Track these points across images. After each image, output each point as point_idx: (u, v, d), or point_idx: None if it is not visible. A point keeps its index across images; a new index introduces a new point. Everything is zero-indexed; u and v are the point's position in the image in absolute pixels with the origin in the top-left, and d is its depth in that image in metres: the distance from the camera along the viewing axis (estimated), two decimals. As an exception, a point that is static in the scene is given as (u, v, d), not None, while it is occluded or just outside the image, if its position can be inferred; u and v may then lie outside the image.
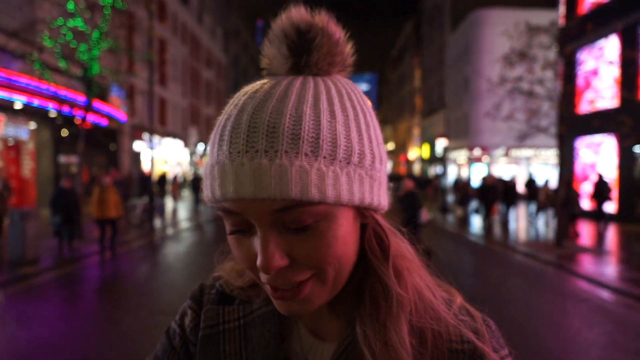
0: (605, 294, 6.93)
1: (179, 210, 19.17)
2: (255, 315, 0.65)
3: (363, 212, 0.57)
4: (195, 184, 19.82)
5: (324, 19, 0.55)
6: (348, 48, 0.58)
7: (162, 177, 19.98)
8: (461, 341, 0.57)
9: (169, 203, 18.04)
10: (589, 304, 6.46)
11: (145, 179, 15.31)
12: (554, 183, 14.78)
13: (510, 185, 14.89)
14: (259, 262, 0.50)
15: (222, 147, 0.51)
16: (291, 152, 0.48)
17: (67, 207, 8.80)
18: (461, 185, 18.82)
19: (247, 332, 0.64)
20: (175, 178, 20.73)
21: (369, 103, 0.59)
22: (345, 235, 0.53)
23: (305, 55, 0.55)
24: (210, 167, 0.52)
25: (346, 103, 0.54)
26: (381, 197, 0.57)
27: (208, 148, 0.55)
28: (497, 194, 14.22)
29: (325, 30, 0.55)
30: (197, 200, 19.48)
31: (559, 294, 7.09)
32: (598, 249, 10.43)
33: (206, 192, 0.54)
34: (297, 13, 0.55)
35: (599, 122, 11.81)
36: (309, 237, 0.51)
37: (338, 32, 0.56)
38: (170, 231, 13.29)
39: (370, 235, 0.59)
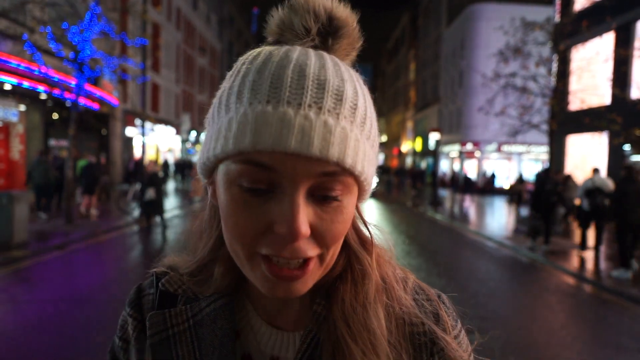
0: (589, 289, 7.06)
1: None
2: (205, 313, 0.60)
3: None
4: None
5: (353, 15, 0.57)
6: (359, 45, 0.60)
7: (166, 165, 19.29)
8: (420, 323, 0.59)
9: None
10: (574, 299, 6.57)
11: (139, 165, 15.21)
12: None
13: None
14: (284, 227, 0.46)
15: (257, 95, 0.47)
16: (334, 112, 0.46)
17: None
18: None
19: (198, 331, 0.59)
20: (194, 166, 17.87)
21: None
22: (351, 216, 0.53)
23: (330, 38, 0.56)
24: (242, 116, 0.47)
25: (368, 93, 0.55)
26: (368, 191, 0.57)
27: (225, 99, 0.51)
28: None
29: (353, 25, 0.57)
30: None
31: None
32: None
33: (219, 143, 0.48)
34: (329, 1, 0.55)
35: (589, 119, 11.90)
36: (332, 210, 0.49)
37: (358, 29, 0.58)
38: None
39: (353, 225, 0.62)
